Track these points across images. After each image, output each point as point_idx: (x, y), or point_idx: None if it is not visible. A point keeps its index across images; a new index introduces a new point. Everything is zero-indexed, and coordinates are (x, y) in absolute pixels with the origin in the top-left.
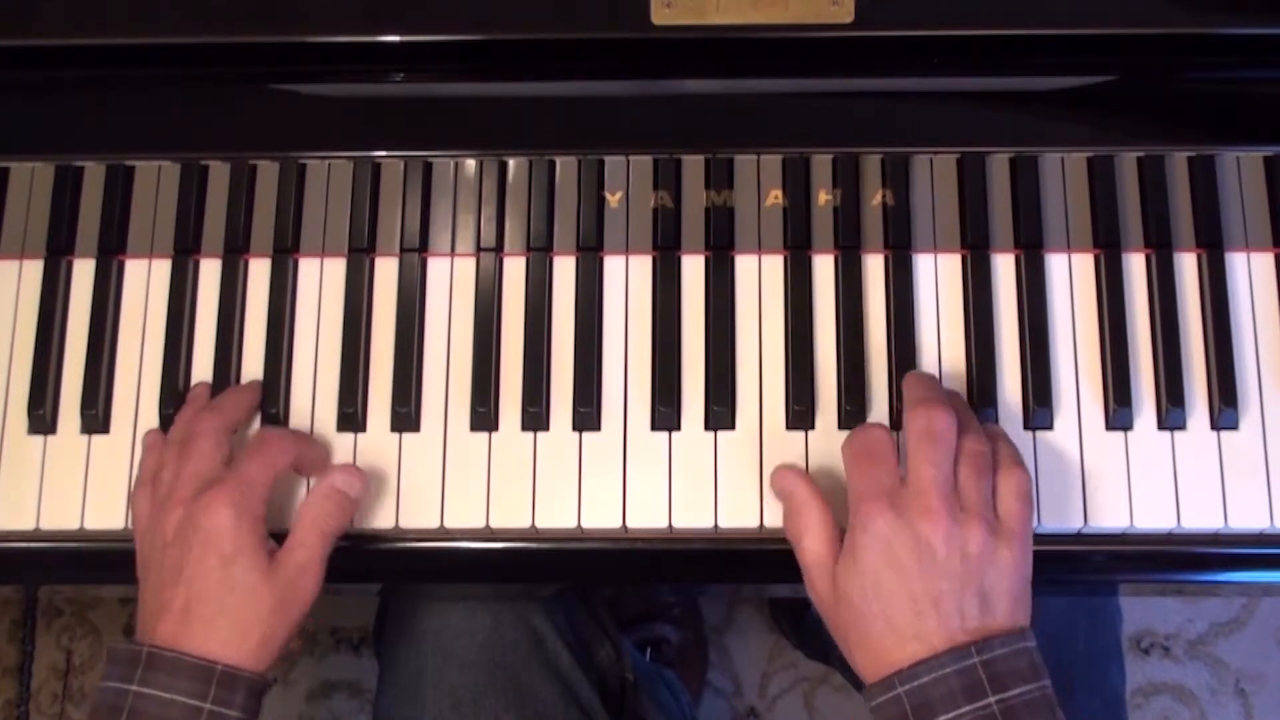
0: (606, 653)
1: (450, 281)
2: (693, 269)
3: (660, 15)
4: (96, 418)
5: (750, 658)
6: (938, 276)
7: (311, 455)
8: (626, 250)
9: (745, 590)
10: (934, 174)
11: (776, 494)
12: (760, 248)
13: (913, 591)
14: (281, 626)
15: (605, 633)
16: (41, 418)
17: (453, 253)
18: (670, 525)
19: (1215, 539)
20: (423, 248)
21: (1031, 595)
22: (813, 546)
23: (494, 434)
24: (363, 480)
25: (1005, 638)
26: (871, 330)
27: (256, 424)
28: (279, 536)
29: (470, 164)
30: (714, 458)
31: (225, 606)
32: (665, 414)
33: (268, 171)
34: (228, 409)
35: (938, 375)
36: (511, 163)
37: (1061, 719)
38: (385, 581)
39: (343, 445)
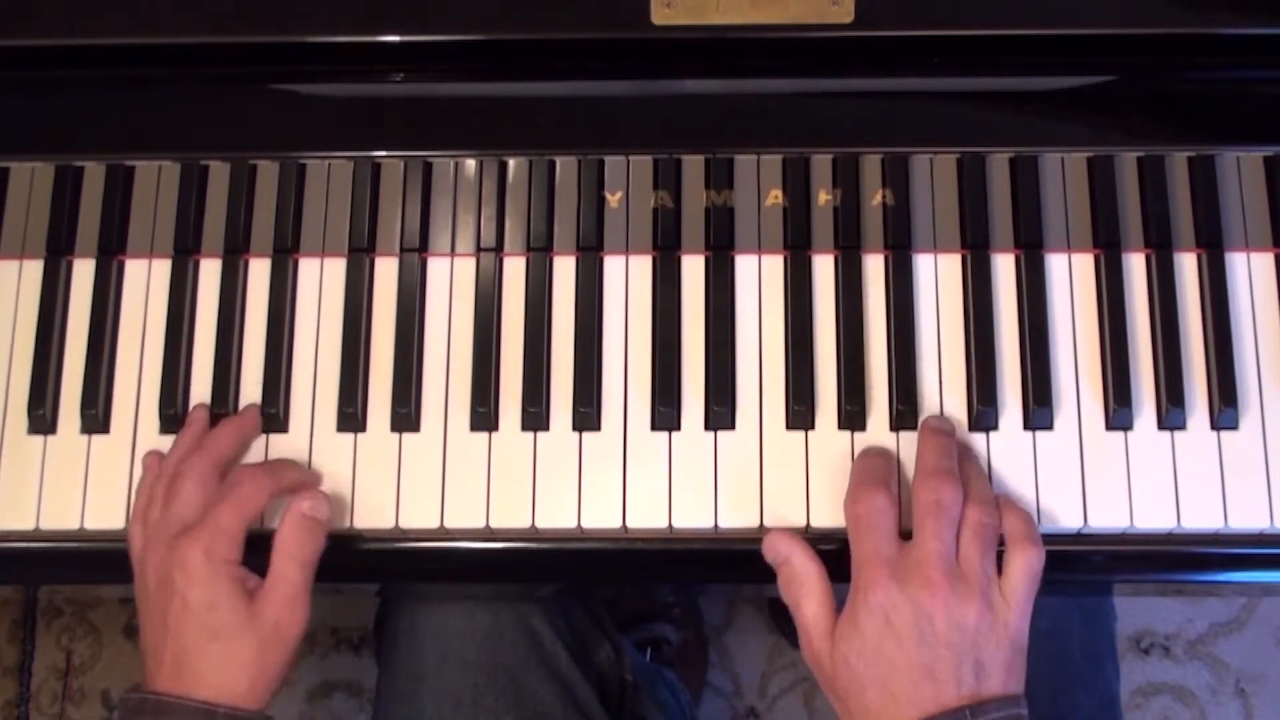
0: (605, 653)
1: (450, 281)
2: (693, 269)
3: (660, 15)
4: (96, 418)
5: (750, 658)
6: (938, 276)
7: (288, 482)
8: (626, 250)
9: (745, 590)
10: (934, 174)
11: (769, 560)
12: (760, 248)
13: (910, 660)
14: (272, 665)
15: (604, 633)
16: (41, 418)
17: (453, 253)
18: (670, 525)
19: (1215, 539)
20: (423, 248)
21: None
22: (812, 612)
23: (494, 434)
24: (327, 501)
25: (1000, 703)
26: (871, 330)
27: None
28: (261, 536)
29: (470, 164)
30: (714, 458)
31: (210, 655)
32: (665, 414)
33: (268, 171)
34: (219, 446)
35: (937, 376)
36: (511, 163)
37: None
38: (385, 581)
39: (343, 445)
